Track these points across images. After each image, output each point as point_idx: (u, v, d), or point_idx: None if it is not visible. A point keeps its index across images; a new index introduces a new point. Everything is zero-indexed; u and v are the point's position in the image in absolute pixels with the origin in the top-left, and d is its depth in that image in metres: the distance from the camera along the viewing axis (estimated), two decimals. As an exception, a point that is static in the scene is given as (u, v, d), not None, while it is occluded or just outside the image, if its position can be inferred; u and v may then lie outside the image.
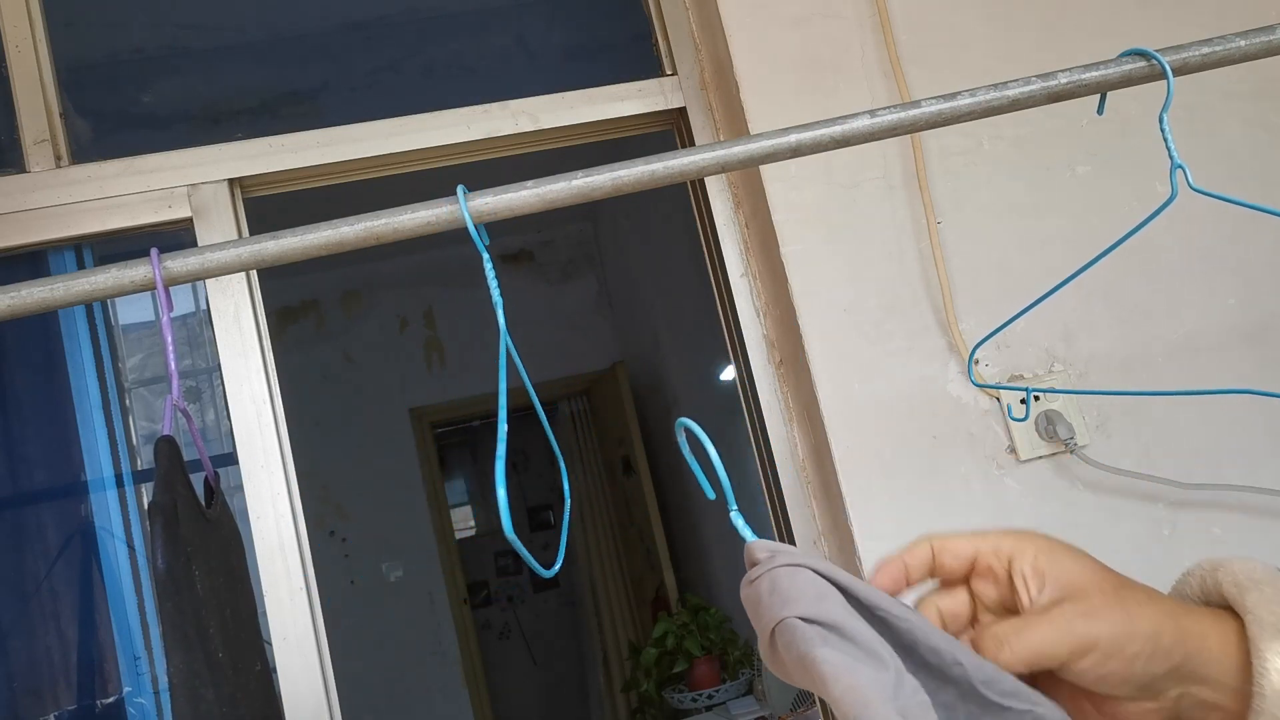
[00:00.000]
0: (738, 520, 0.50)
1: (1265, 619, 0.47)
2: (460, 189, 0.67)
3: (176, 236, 1.44)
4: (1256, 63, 0.83)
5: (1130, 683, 0.48)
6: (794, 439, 1.45)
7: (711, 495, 0.55)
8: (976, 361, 1.36)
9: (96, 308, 1.56)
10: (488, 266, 0.65)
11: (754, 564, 0.48)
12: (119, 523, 1.49)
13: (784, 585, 0.45)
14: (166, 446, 0.62)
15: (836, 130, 0.73)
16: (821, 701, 1.47)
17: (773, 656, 0.47)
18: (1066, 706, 0.49)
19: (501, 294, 0.65)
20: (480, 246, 0.66)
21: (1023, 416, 1.34)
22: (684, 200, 1.64)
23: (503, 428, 0.58)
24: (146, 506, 0.64)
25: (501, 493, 0.53)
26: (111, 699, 1.43)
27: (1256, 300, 1.44)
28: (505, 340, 0.63)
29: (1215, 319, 1.42)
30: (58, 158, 1.41)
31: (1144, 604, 0.48)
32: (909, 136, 1.40)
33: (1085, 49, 1.47)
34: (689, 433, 0.53)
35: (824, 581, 0.46)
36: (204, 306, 1.44)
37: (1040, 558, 0.51)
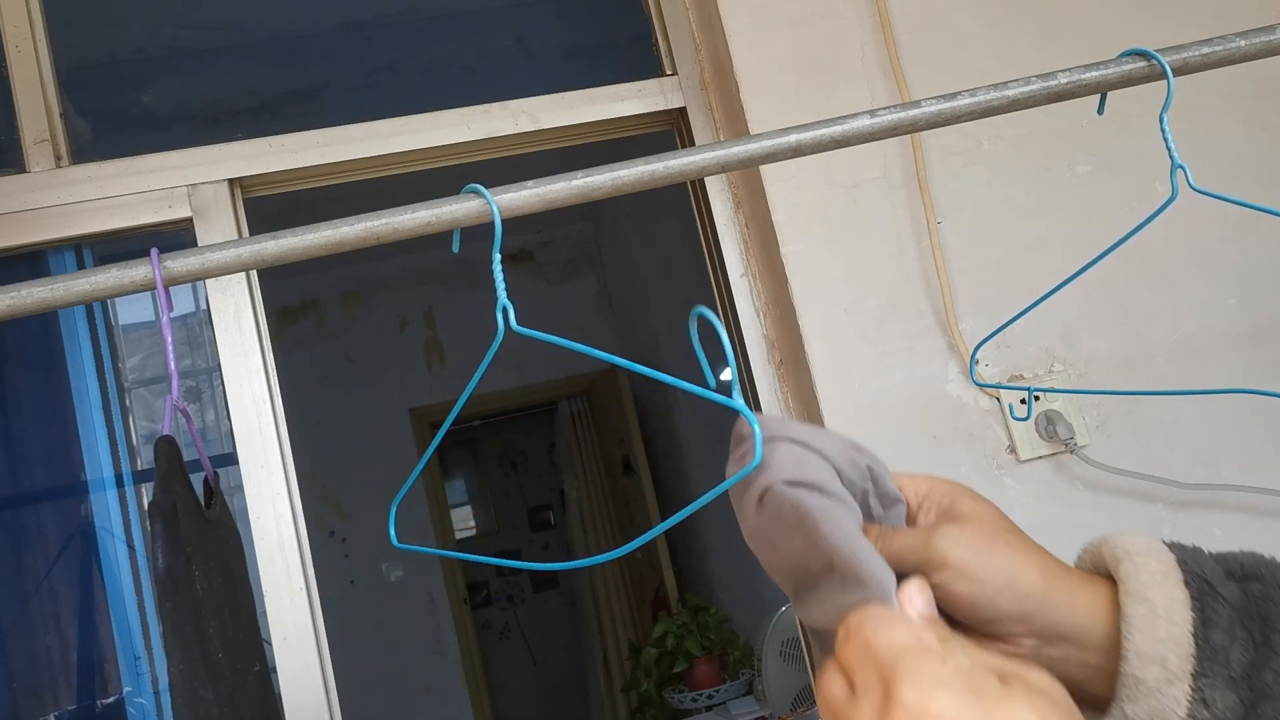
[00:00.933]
0: (739, 403, 0.55)
1: (1133, 588, 0.50)
2: (474, 189, 0.67)
3: (176, 236, 1.44)
4: (1257, 62, 0.83)
5: (978, 611, 0.51)
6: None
7: (712, 383, 0.59)
8: (977, 361, 1.36)
9: (96, 308, 1.56)
10: (496, 270, 0.65)
11: (740, 440, 0.53)
12: (119, 523, 1.49)
13: (775, 459, 0.51)
14: (166, 447, 0.62)
15: (836, 130, 0.73)
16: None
17: (756, 526, 0.52)
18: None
19: (502, 291, 0.65)
20: (499, 249, 0.66)
21: (1023, 416, 1.34)
22: (684, 200, 1.64)
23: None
24: (146, 506, 0.64)
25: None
26: (111, 699, 1.43)
27: (1256, 300, 1.44)
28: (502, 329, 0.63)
29: (1215, 319, 1.42)
30: (58, 158, 1.41)
31: (1014, 549, 0.52)
32: (909, 136, 1.40)
33: (1085, 49, 1.47)
34: (701, 320, 0.56)
35: (802, 449, 0.51)
36: (204, 306, 1.44)
37: (946, 498, 0.56)
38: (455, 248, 0.67)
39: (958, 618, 0.53)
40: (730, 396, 0.55)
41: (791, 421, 0.53)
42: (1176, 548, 0.52)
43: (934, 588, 0.52)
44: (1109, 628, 0.51)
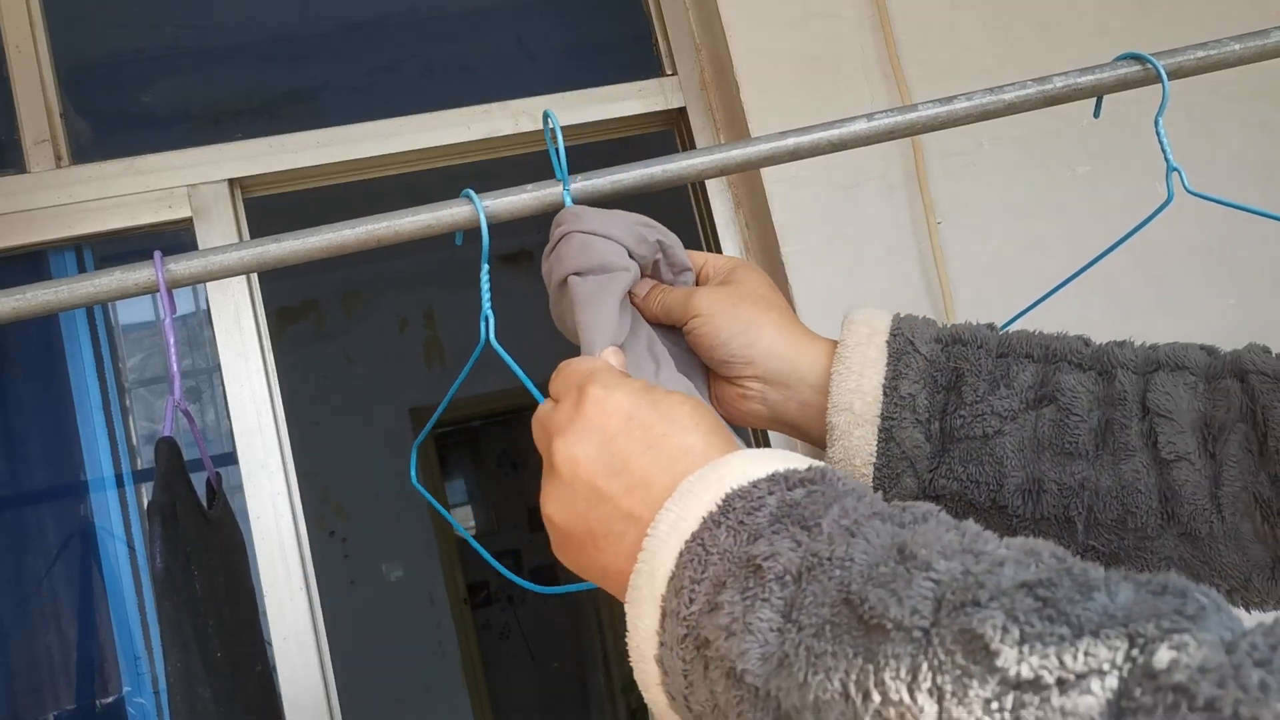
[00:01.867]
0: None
1: (839, 349, 0.61)
2: (466, 194, 0.67)
3: (176, 236, 1.44)
4: (1256, 65, 0.83)
5: (715, 353, 0.62)
6: (794, 440, 1.45)
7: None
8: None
9: (96, 308, 1.56)
10: (484, 276, 0.65)
11: (554, 232, 0.64)
12: (119, 523, 1.49)
13: (567, 253, 0.62)
14: (166, 448, 0.62)
15: (834, 134, 0.73)
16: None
17: (554, 307, 0.64)
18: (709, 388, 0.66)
19: (500, 294, 0.65)
20: (495, 253, 0.66)
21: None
22: (684, 201, 1.64)
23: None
24: (146, 506, 0.64)
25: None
26: (111, 699, 1.43)
27: (1256, 300, 1.44)
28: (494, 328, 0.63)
29: (1215, 319, 1.43)
30: (58, 158, 1.41)
31: (757, 309, 0.62)
32: (909, 137, 1.41)
33: (1084, 49, 1.47)
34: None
35: (589, 237, 0.62)
36: (204, 307, 1.44)
37: (736, 270, 0.66)
38: (459, 239, 0.69)
39: (704, 360, 0.64)
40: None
41: (587, 211, 0.64)
42: (902, 318, 0.61)
43: (688, 333, 0.63)
44: (824, 380, 0.61)
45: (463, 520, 6.58)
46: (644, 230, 0.65)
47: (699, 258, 0.69)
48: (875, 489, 0.58)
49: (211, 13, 1.71)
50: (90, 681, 1.45)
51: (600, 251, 0.61)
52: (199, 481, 0.68)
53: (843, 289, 1.37)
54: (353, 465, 4.49)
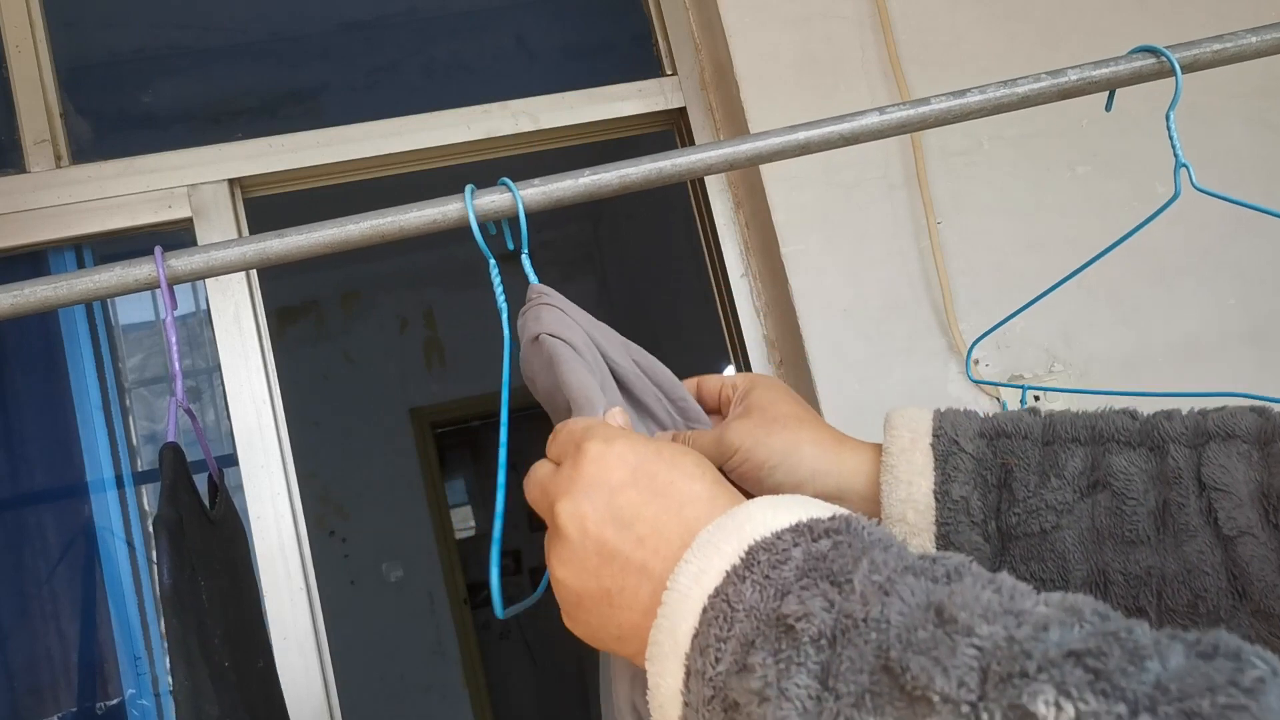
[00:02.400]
0: (526, 266, 0.67)
1: (885, 458, 0.59)
2: (469, 187, 0.67)
3: (176, 236, 1.44)
4: (1260, 61, 0.83)
5: (762, 485, 0.60)
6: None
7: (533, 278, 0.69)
8: (976, 361, 1.36)
9: (96, 308, 1.55)
10: (493, 270, 0.65)
11: (528, 300, 0.65)
12: (119, 523, 1.49)
13: (544, 316, 0.62)
14: (171, 455, 0.62)
15: (845, 128, 0.73)
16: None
17: (526, 364, 0.64)
18: None
19: (509, 291, 0.65)
20: (497, 249, 0.66)
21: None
22: (684, 201, 1.64)
23: (502, 458, 0.64)
24: (152, 521, 0.63)
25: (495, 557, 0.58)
26: (114, 701, 1.43)
27: (1257, 300, 1.44)
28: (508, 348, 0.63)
29: (1215, 319, 1.42)
30: (58, 158, 1.40)
31: (790, 430, 0.61)
32: (909, 136, 1.40)
33: (1084, 48, 1.46)
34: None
35: (569, 319, 0.63)
36: (204, 307, 1.44)
37: (753, 391, 0.65)
38: (492, 230, 0.69)
39: (748, 490, 0.62)
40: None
41: (568, 303, 0.65)
42: (942, 415, 0.60)
43: (731, 471, 0.61)
44: (874, 490, 0.59)
45: (463, 520, 6.57)
46: (619, 343, 0.66)
47: (712, 383, 0.68)
48: None
49: (211, 13, 1.71)
50: (91, 683, 1.45)
51: (575, 333, 0.62)
52: (201, 481, 0.68)
53: (843, 289, 1.37)
54: (353, 465, 4.48)
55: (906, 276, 1.39)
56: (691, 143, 1.56)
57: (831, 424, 1.45)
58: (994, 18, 1.48)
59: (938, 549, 0.56)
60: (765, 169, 1.39)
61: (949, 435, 0.58)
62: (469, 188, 0.66)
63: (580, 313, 0.64)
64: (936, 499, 0.57)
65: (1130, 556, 0.54)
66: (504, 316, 0.64)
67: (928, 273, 1.39)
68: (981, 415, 0.60)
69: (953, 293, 1.38)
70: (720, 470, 0.62)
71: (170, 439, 0.63)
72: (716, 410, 0.68)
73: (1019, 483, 0.57)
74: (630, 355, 0.66)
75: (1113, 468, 0.56)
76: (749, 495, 0.61)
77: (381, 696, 4.43)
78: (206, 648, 0.59)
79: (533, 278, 0.65)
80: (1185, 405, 1.37)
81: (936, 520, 0.57)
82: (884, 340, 1.36)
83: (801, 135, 0.72)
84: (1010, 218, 1.42)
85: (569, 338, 0.61)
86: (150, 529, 1.35)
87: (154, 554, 0.57)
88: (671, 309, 4.00)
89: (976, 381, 1.35)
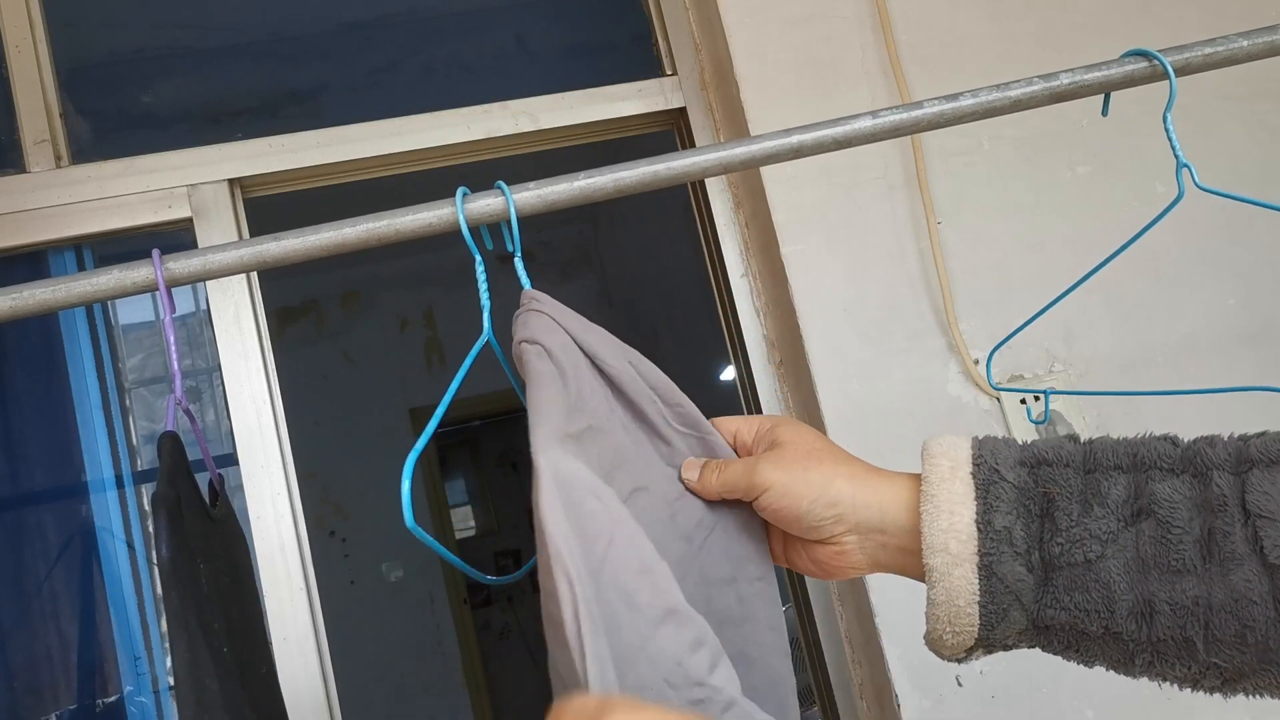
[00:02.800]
0: (519, 269, 0.66)
1: (925, 487, 0.58)
2: (460, 190, 0.67)
3: (176, 237, 1.44)
4: (1256, 63, 0.83)
5: (801, 521, 0.61)
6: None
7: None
8: (976, 362, 1.36)
9: (96, 308, 1.56)
10: (479, 270, 0.65)
11: (520, 305, 0.65)
12: (119, 523, 1.49)
13: (531, 322, 0.62)
14: (170, 442, 0.62)
15: (839, 131, 0.73)
16: (818, 701, 1.48)
17: (519, 370, 0.63)
18: (783, 553, 0.66)
19: (500, 294, 0.65)
20: (493, 251, 0.66)
21: (1041, 419, 1.34)
22: (684, 200, 1.64)
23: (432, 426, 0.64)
24: (150, 500, 0.63)
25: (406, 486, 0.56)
26: (112, 699, 1.43)
27: (1256, 300, 1.44)
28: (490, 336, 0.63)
29: (1215, 319, 1.42)
30: (58, 158, 1.41)
31: (824, 464, 0.61)
32: (909, 137, 1.40)
33: (1085, 48, 1.47)
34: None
35: (555, 324, 0.62)
36: (204, 307, 1.44)
37: (778, 429, 0.65)
38: (488, 243, 0.69)
39: (790, 531, 0.63)
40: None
41: (560, 308, 0.64)
42: (981, 442, 0.60)
43: (763, 508, 0.62)
44: (914, 520, 0.59)
45: (463, 520, 6.58)
46: (615, 346, 0.65)
47: (728, 425, 0.68)
48: (981, 624, 0.57)
49: (211, 13, 1.71)
50: (91, 681, 1.45)
51: (554, 337, 0.61)
52: (202, 482, 0.68)
53: (843, 289, 1.37)
54: (353, 465, 4.49)
55: (906, 276, 1.39)
56: (692, 143, 1.56)
57: (832, 425, 1.45)
58: (994, 18, 1.48)
59: (979, 579, 0.56)
60: (765, 170, 1.39)
61: (989, 463, 0.58)
62: (460, 191, 0.67)
63: (573, 317, 0.64)
64: (979, 529, 0.56)
65: (1176, 586, 0.53)
66: (486, 314, 0.64)
67: (928, 273, 1.39)
68: (1021, 442, 0.60)
69: (953, 293, 1.38)
70: (747, 504, 0.63)
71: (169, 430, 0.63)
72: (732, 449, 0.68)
73: (1061, 512, 0.56)
74: (627, 358, 0.65)
75: (1156, 495, 0.55)
76: (781, 532, 0.64)
77: (381, 696, 4.43)
78: (206, 627, 0.59)
79: (525, 282, 0.65)
80: (1187, 403, 1.37)
81: (979, 550, 0.56)
82: (884, 340, 1.36)
83: (795, 139, 0.72)
84: (1010, 218, 1.42)
85: (547, 343, 0.60)
86: (150, 524, 1.35)
87: (152, 531, 0.57)
88: (671, 309, 4.00)
89: (998, 388, 1.35)
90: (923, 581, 0.59)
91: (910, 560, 0.60)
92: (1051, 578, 0.56)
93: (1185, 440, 0.58)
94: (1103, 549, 0.55)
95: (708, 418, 0.68)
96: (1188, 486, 0.55)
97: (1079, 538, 0.55)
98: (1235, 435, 0.57)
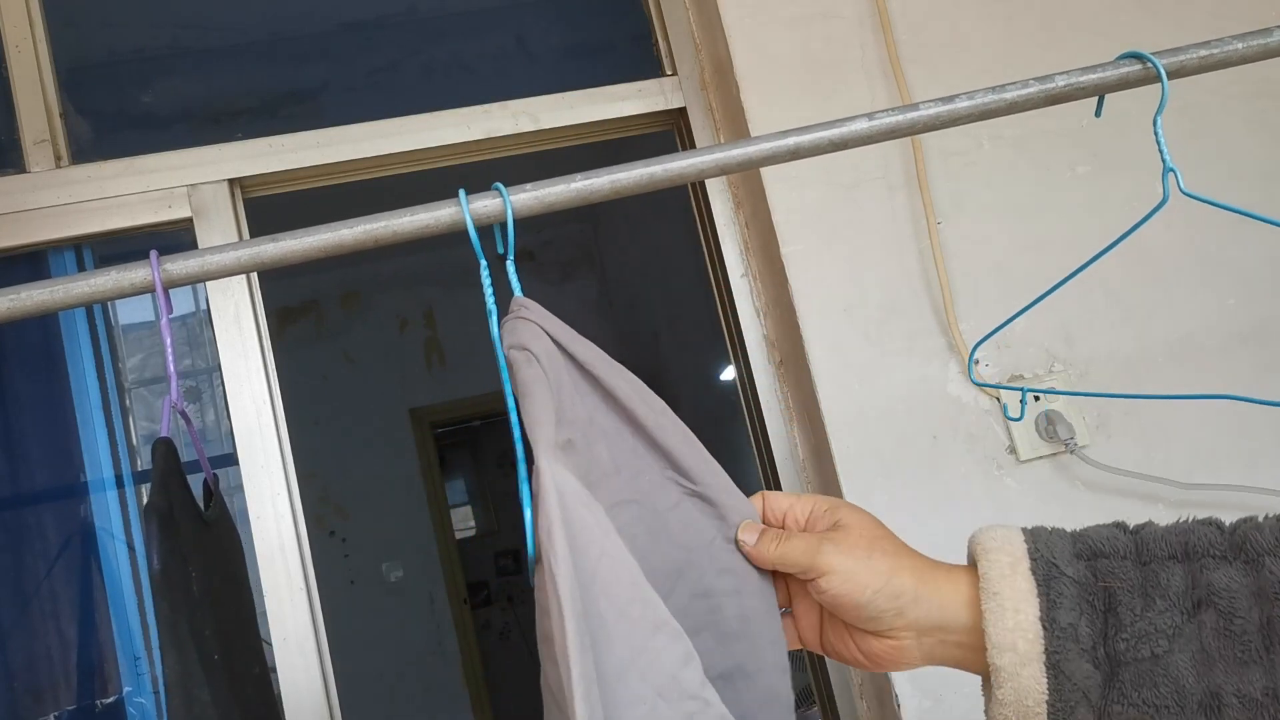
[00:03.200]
0: (511, 274, 0.66)
1: (985, 583, 0.57)
2: (461, 193, 0.67)
3: (176, 237, 1.44)
4: (1258, 63, 0.83)
5: (860, 610, 0.59)
6: (794, 439, 1.45)
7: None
8: (977, 362, 1.36)
9: (96, 308, 1.56)
10: (484, 273, 0.65)
11: (509, 311, 0.65)
12: (119, 523, 1.49)
13: (518, 329, 0.62)
14: (163, 448, 0.62)
15: (835, 133, 0.73)
16: (818, 702, 1.48)
17: (510, 374, 0.63)
18: (821, 639, 0.64)
19: (500, 294, 0.65)
20: (500, 251, 0.66)
21: (1017, 416, 1.34)
22: (684, 201, 1.64)
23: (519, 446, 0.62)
24: (142, 509, 0.64)
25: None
26: (111, 699, 1.43)
27: (1256, 301, 1.44)
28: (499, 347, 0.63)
29: (1215, 319, 1.42)
30: (58, 158, 1.41)
31: (889, 554, 0.60)
32: (909, 137, 1.40)
33: (1085, 49, 1.46)
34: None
35: (541, 331, 0.62)
36: (204, 307, 1.44)
37: (839, 510, 0.63)
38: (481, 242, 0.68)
39: (844, 618, 0.61)
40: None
41: (547, 316, 0.64)
42: (1032, 534, 0.59)
43: (821, 591, 0.60)
44: (975, 617, 0.57)
45: (463, 520, 6.58)
46: (602, 355, 0.65)
47: (779, 501, 0.66)
48: None
49: (211, 13, 1.71)
50: (90, 682, 1.45)
51: (538, 342, 0.61)
52: (196, 483, 0.68)
53: (843, 289, 1.37)
54: (353, 465, 4.49)
55: (906, 276, 1.39)
56: (692, 143, 1.56)
57: (832, 425, 1.44)
58: (994, 18, 1.48)
59: (1048, 678, 0.55)
60: (765, 170, 1.39)
61: (1046, 557, 0.57)
62: (463, 192, 0.66)
63: (560, 326, 0.64)
64: (1044, 625, 0.55)
65: (1244, 677, 0.52)
66: (493, 319, 0.64)
67: (928, 273, 1.39)
68: (1070, 533, 0.59)
69: (953, 293, 1.38)
70: (793, 580, 0.62)
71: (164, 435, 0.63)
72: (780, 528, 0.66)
73: (1124, 606, 0.55)
74: (617, 368, 0.65)
75: (1214, 585, 0.54)
76: (821, 617, 0.63)
77: (381, 696, 4.43)
78: (198, 635, 0.59)
79: (517, 288, 0.64)
80: (1187, 404, 1.36)
81: (1045, 649, 0.55)
82: (884, 340, 1.36)
83: (792, 140, 0.72)
84: (1010, 218, 1.42)
85: (534, 349, 0.61)
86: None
87: (145, 542, 0.57)
88: (671, 308, 4.00)
89: (979, 384, 1.35)
90: (977, 674, 0.59)
91: (969, 655, 0.59)
92: (1118, 674, 0.55)
93: (1228, 523, 0.58)
94: (1169, 643, 0.54)
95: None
96: (1241, 574, 0.54)
97: (1144, 632, 0.54)
98: (1274, 516, 0.57)
